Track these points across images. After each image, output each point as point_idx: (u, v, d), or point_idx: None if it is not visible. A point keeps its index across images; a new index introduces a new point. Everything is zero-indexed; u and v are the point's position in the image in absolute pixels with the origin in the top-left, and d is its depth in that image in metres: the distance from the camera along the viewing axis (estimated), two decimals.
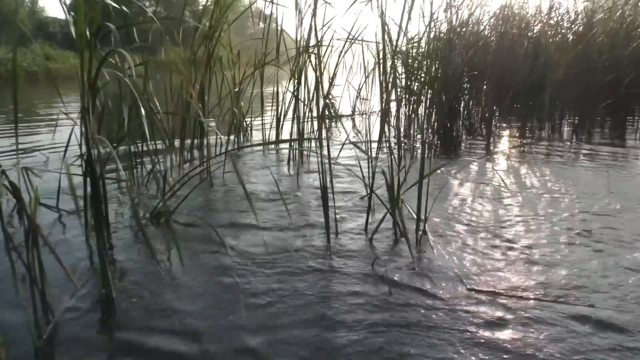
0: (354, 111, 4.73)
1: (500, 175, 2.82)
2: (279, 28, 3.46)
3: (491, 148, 3.70)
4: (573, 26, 5.24)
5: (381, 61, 2.64)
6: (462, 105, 4.76)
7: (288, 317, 1.23)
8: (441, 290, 1.39)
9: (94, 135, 1.61)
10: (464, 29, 4.27)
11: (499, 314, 1.26)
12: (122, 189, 2.41)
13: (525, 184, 2.61)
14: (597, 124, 4.75)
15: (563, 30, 5.22)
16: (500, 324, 1.22)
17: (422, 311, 1.27)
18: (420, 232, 1.82)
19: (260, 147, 3.57)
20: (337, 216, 1.95)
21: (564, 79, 4.66)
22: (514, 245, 1.73)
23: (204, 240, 1.76)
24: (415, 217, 1.84)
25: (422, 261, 1.61)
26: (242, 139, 3.42)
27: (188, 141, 2.83)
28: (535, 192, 2.45)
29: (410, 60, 4.23)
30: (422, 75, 4.27)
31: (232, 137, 3.33)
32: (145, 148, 2.48)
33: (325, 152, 1.81)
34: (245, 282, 1.42)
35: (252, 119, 3.70)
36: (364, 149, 2.31)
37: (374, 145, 2.23)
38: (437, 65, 4.18)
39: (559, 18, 5.30)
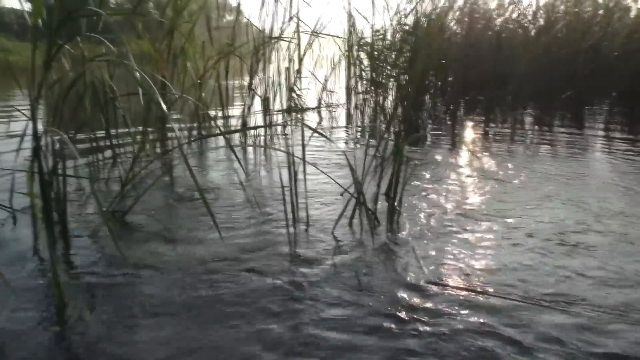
0: (320, 103, 4.71)
1: (464, 164, 2.85)
2: (244, 19, 3.41)
3: (456, 138, 3.74)
4: (534, 20, 5.35)
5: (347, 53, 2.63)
6: (427, 97, 4.81)
7: (251, 321, 1.21)
8: (404, 282, 1.39)
9: (47, 128, 1.55)
10: (429, 21, 4.30)
11: (464, 309, 1.27)
12: (81, 186, 2.32)
13: (490, 172, 2.64)
14: (557, 114, 4.87)
15: (525, 24, 5.32)
16: (459, 316, 1.23)
17: (385, 308, 1.27)
18: (393, 222, 1.82)
19: (225, 142, 3.51)
20: (307, 209, 1.90)
21: (527, 72, 4.76)
22: (484, 237, 1.75)
23: (160, 241, 1.69)
24: (381, 206, 1.84)
25: (389, 252, 1.61)
26: (205, 131, 3.34)
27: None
28: (499, 180, 2.48)
29: (376, 53, 4.24)
30: (388, 67, 4.29)
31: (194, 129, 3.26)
32: (107, 141, 2.41)
33: (294, 143, 1.78)
34: (201, 288, 1.38)
35: (216, 111, 3.63)
36: (330, 139, 2.29)
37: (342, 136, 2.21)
38: (402, 58, 4.20)
39: (521, 12, 5.41)
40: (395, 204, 1.87)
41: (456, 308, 1.25)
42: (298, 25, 3.27)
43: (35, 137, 1.29)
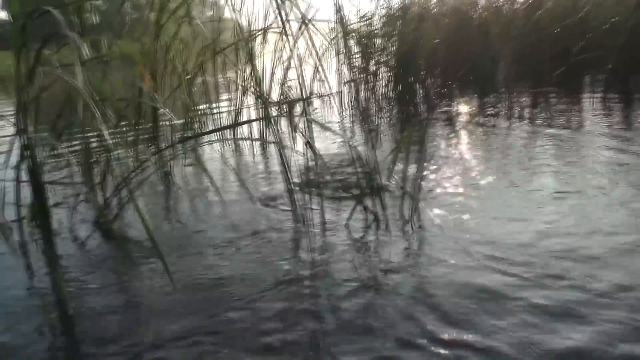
0: (311, 94, 4.65)
1: (468, 144, 2.82)
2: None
3: (454, 119, 3.70)
4: None
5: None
6: (419, 81, 4.77)
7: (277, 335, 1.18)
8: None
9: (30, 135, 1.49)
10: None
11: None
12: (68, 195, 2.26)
13: (493, 152, 2.62)
14: (551, 93, 4.83)
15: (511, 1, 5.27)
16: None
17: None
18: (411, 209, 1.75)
19: (217, 138, 3.46)
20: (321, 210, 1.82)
21: (517, 51, 4.71)
22: (509, 212, 1.73)
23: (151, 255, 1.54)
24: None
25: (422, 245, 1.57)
26: (196, 128, 3.27)
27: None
28: (505, 159, 2.45)
29: (364, 40, 4.19)
30: (377, 53, 4.24)
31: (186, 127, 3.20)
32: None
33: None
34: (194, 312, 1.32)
35: (205, 108, 3.57)
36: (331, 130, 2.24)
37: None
38: (392, 43, 4.15)
39: None
40: (410, 190, 1.80)
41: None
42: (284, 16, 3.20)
43: (25, 147, 1.24)
